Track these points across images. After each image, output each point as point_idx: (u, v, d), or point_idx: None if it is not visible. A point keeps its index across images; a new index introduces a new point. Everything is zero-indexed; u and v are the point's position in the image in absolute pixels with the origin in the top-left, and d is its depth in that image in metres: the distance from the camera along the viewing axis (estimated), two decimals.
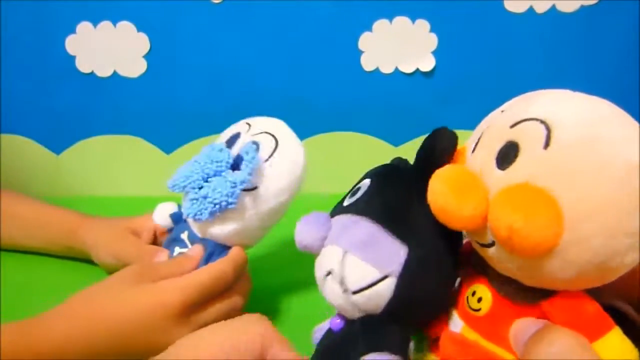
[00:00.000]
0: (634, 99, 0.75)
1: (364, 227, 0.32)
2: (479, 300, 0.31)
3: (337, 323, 0.34)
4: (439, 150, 0.33)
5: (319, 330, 0.37)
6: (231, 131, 0.48)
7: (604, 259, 0.25)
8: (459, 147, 0.33)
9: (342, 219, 0.34)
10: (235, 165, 0.43)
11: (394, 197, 0.34)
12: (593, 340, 0.26)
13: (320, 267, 0.34)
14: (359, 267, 0.31)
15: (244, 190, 0.42)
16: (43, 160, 0.78)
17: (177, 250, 0.47)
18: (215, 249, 0.45)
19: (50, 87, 0.75)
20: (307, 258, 0.36)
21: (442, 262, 0.32)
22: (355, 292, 0.31)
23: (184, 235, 0.47)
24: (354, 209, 0.34)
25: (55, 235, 0.56)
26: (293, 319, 0.48)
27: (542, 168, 0.25)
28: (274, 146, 0.44)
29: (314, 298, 0.41)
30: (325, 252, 0.33)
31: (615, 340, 0.26)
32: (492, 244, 0.28)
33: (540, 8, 0.72)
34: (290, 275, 0.53)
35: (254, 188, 0.43)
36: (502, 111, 0.31)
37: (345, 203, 0.36)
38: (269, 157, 0.44)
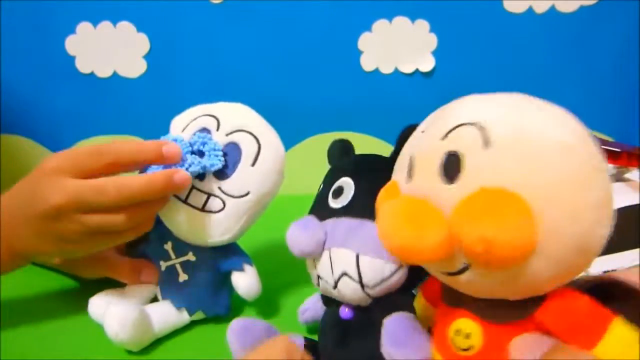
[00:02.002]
0: (633, 99, 0.75)
1: (372, 229, 0.33)
2: (467, 336, 0.27)
3: (347, 312, 0.36)
4: None
5: (306, 310, 0.41)
6: (191, 123, 0.44)
7: (580, 242, 0.24)
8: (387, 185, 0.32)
9: (342, 222, 0.36)
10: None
11: None
12: (598, 338, 0.24)
13: (332, 269, 0.35)
14: (374, 264, 0.34)
15: (238, 197, 0.42)
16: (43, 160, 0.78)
17: (163, 264, 0.45)
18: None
19: (50, 87, 0.75)
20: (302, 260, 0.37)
21: None
22: (374, 287, 0.34)
23: (168, 246, 0.45)
24: (351, 212, 0.36)
25: None
26: (289, 321, 0.47)
27: (491, 169, 0.24)
28: (256, 149, 0.42)
29: (306, 297, 0.41)
30: (336, 256, 0.35)
31: (620, 331, 0.24)
32: (464, 269, 0.25)
33: (540, 8, 0.72)
34: (287, 277, 0.53)
35: (247, 194, 0.42)
36: (422, 131, 0.29)
37: (333, 205, 0.37)
38: (254, 161, 0.42)
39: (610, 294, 0.27)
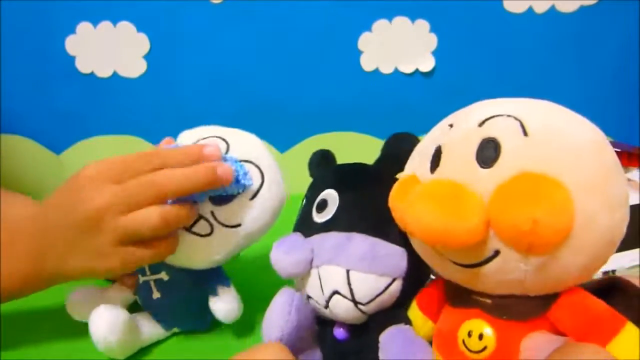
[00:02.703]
0: (633, 99, 0.75)
1: (361, 243, 0.32)
2: (480, 337, 0.27)
3: (341, 332, 0.35)
4: (404, 152, 0.33)
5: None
6: (200, 141, 0.41)
7: (610, 235, 0.25)
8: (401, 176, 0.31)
9: (330, 237, 0.33)
10: None
11: (376, 206, 0.34)
12: (609, 339, 0.24)
13: (322, 289, 0.33)
14: (366, 280, 0.32)
15: (228, 226, 0.39)
16: (43, 160, 0.78)
17: (141, 278, 0.44)
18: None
19: (50, 87, 0.75)
20: None
21: None
22: (367, 303, 0.32)
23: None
24: (338, 225, 0.34)
25: None
26: None
27: (532, 154, 0.24)
28: (259, 183, 0.40)
29: None
30: (325, 274, 0.33)
31: (631, 334, 0.24)
32: (493, 257, 0.25)
33: (540, 8, 0.72)
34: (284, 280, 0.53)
35: (237, 225, 0.40)
36: (450, 125, 0.29)
37: (318, 220, 0.35)
38: (255, 195, 0.40)
39: (614, 296, 0.27)
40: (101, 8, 0.72)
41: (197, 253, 0.40)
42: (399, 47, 0.74)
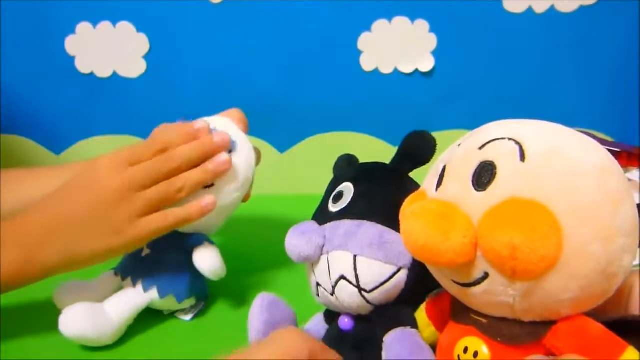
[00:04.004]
0: (633, 99, 0.75)
1: (370, 230, 0.33)
2: (475, 355, 0.27)
3: (346, 322, 0.35)
4: (419, 150, 0.35)
5: (308, 331, 0.38)
6: None
7: (604, 265, 0.24)
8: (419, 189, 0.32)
9: (341, 225, 0.35)
10: None
11: (388, 198, 0.35)
12: None
13: (329, 274, 0.34)
14: (372, 267, 0.33)
15: (227, 181, 0.45)
16: (43, 160, 0.78)
17: None
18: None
19: (50, 87, 0.75)
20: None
21: None
22: (371, 290, 0.33)
23: None
24: (350, 214, 0.35)
25: None
26: None
27: (525, 180, 0.25)
28: (233, 141, 0.47)
29: (306, 299, 0.41)
30: (333, 259, 0.34)
31: (633, 359, 0.24)
32: (482, 280, 0.25)
33: (540, 8, 0.72)
34: (286, 277, 0.53)
35: (211, 185, 0.45)
36: (459, 145, 0.30)
37: (333, 209, 0.37)
38: (231, 150, 0.46)
39: (622, 328, 0.26)
40: (101, 8, 0.72)
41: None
42: (398, 47, 0.74)
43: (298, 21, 0.73)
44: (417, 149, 0.36)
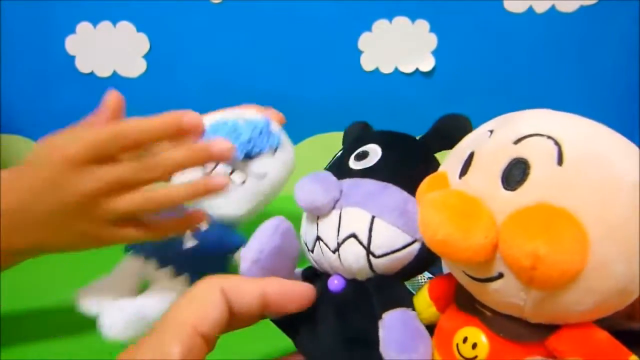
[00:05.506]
0: (633, 99, 0.75)
1: (396, 195, 0.32)
2: (474, 346, 0.27)
3: (337, 284, 0.33)
4: (453, 131, 0.33)
5: None
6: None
7: (624, 284, 0.23)
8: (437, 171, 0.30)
9: (363, 183, 0.33)
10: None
11: (416, 168, 0.33)
12: None
13: (338, 230, 0.32)
14: (389, 232, 0.31)
15: (258, 175, 0.47)
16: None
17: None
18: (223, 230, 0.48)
19: (50, 87, 0.75)
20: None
21: None
22: (380, 256, 0.31)
23: None
24: (376, 174, 0.33)
25: None
26: None
27: (559, 186, 0.23)
28: (278, 142, 0.49)
29: None
30: (347, 215, 0.32)
31: None
32: (497, 277, 0.24)
33: (540, 8, 0.72)
34: None
35: (265, 175, 0.48)
36: (491, 131, 0.28)
37: (354, 167, 0.34)
38: (276, 149, 0.49)
39: (627, 337, 0.25)
40: (101, 8, 0.72)
41: (234, 200, 0.47)
42: (399, 47, 0.74)
43: (298, 21, 0.73)
44: (451, 130, 0.34)
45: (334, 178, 0.33)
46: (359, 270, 0.32)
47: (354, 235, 0.31)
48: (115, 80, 0.75)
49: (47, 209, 0.36)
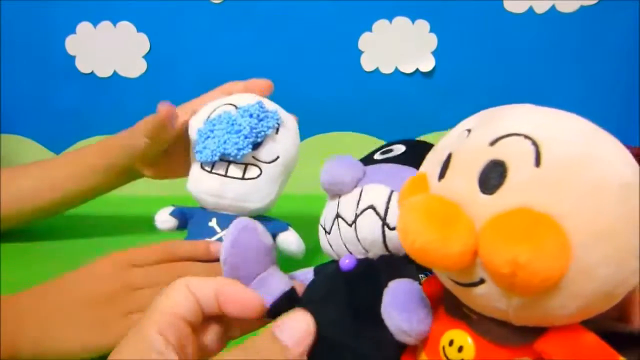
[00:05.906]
0: (633, 99, 0.75)
1: (414, 172, 0.32)
2: (460, 349, 0.26)
3: (347, 263, 0.34)
4: None
5: (301, 274, 0.37)
6: (212, 114, 0.49)
7: (611, 287, 0.22)
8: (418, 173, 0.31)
9: (384, 166, 0.35)
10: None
11: None
12: None
13: (357, 204, 0.34)
14: None
15: (270, 162, 0.47)
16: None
17: (215, 236, 0.47)
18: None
19: (50, 87, 0.75)
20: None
21: None
22: (394, 228, 0.32)
23: (212, 223, 0.47)
24: (395, 160, 0.36)
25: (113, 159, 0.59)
26: None
27: (538, 189, 0.22)
28: (277, 118, 0.49)
29: None
30: (367, 190, 0.34)
31: None
32: (479, 283, 0.24)
33: (540, 8, 0.72)
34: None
35: (277, 158, 0.47)
36: (469, 130, 0.27)
37: (378, 157, 0.37)
38: (277, 129, 0.49)
39: (616, 340, 0.25)
40: (101, 8, 0.72)
41: (257, 194, 0.47)
42: (399, 47, 0.74)
43: (298, 21, 0.73)
44: None
45: (357, 161, 0.36)
46: (372, 243, 0.33)
47: (372, 207, 0.33)
48: (115, 80, 0.75)
49: (71, 298, 0.39)
